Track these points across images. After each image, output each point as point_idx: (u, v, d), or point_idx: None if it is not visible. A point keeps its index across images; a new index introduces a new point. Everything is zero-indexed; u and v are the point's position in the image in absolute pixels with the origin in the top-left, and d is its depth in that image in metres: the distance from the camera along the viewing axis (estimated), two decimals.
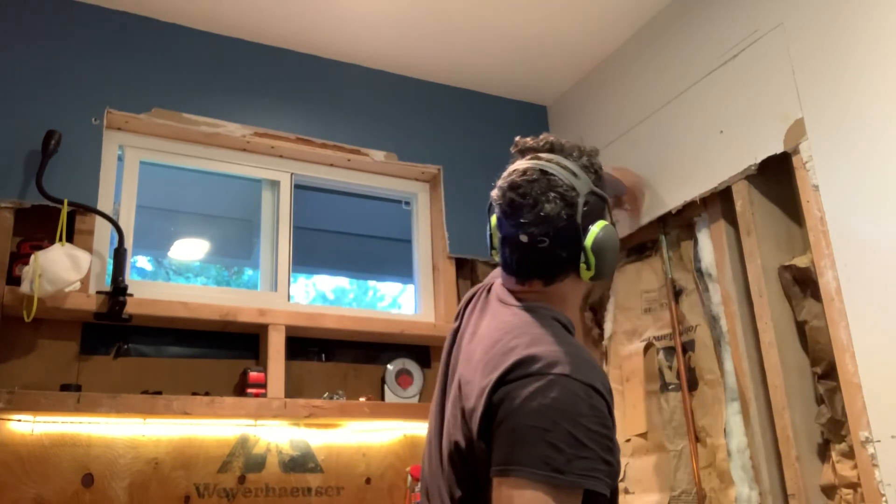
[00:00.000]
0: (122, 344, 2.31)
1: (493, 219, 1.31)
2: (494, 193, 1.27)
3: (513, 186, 1.22)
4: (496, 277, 1.36)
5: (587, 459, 1.02)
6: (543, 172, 1.23)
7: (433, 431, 1.27)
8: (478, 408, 1.09)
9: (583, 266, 1.22)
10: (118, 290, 2.16)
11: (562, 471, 1.00)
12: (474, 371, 1.15)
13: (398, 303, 3.41)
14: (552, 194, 1.21)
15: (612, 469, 1.05)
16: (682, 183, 2.44)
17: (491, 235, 1.34)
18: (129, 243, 2.34)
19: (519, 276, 1.25)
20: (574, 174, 1.25)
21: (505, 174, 1.27)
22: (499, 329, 1.19)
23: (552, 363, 1.08)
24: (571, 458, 1.01)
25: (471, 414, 1.11)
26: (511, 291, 1.28)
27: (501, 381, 1.09)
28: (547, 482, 1.00)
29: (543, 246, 1.20)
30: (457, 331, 1.36)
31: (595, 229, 1.22)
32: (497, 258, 1.32)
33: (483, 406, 1.08)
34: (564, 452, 1.01)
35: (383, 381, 2.63)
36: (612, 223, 1.29)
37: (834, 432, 2.00)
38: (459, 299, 2.77)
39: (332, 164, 2.80)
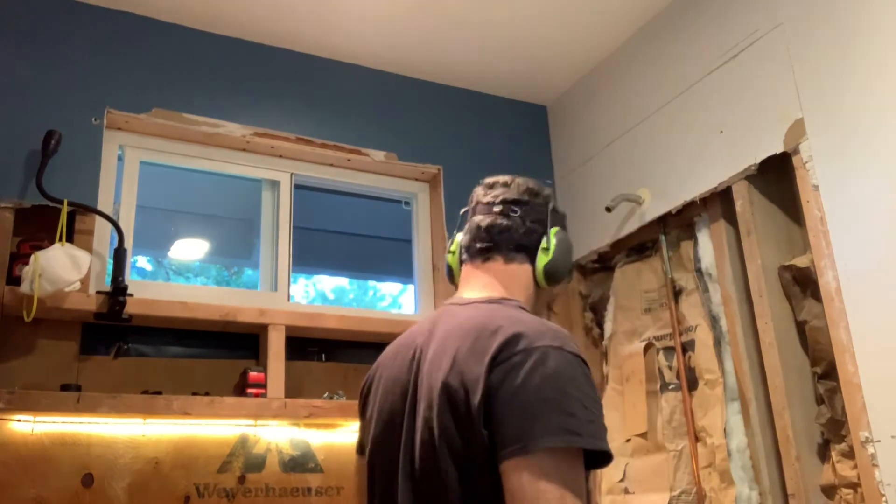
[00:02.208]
0: (122, 344, 2.31)
1: (457, 237, 1.42)
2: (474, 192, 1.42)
3: (493, 180, 1.40)
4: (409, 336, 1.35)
5: (594, 423, 1.05)
6: (520, 180, 1.41)
7: (403, 460, 1.19)
8: (475, 395, 1.07)
9: (542, 251, 1.31)
10: (118, 290, 2.16)
11: (580, 434, 1.02)
12: (459, 367, 1.12)
13: (398, 303, 3.41)
14: (527, 186, 1.38)
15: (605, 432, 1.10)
16: (682, 183, 2.44)
17: (449, 265, 1.42)
18: (129, 243, 2.34)
19: (484, 251, 1.33)
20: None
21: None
22: (471, 320, 1.19)
23: (539, 336, 1.10)
24: (584, 422, 1.03)
25: (467, 406, 1.08)
26: (468, 296, 1.31)
27: (494, 361, 1.08)
28: (568, 448, 1.01)
29: (514, 215, 1.32)
30: (371, 381, 1.35)
31: (558, 230, 1.35)
32: (455, 263, 1.40)
33: (482, 391, 1.07)
34: (578, 418, 1.03)
35: None
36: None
37: (834, 432, 2.00)
38: None
39: (332, 164, 2.80)
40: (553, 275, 1.32)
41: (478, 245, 1.33)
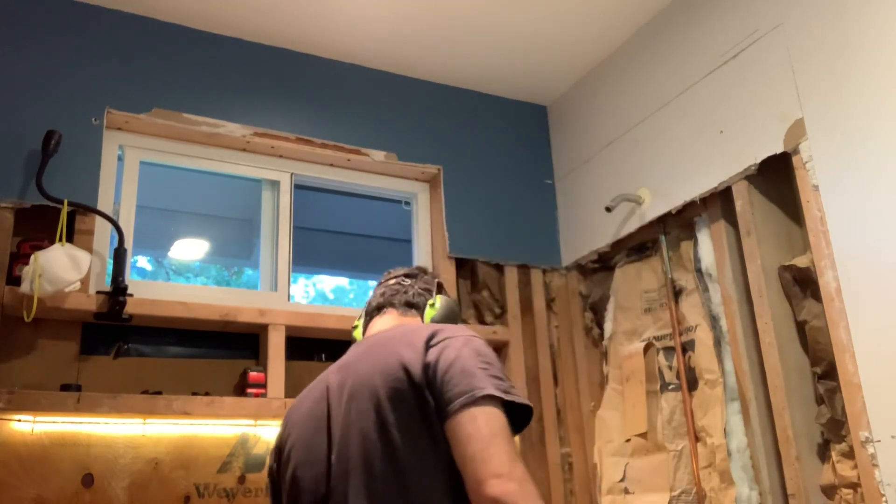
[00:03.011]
0: (122, 344, 2.31)
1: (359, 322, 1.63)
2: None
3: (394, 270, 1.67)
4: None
5: (514, 388, 1.27)
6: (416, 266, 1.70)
7: (322, 457, 1.33)
8: (416, 369, 1.26)
9: (429, 306, 1.54)
10: (118, 290, 2.16)
11: (508, 391, 1.23)
12: (395, 358, 1.30)
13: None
14: (418, 267, 1.67)
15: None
16: (682, 183, 2.44)
17: (355, 338, 1.61)
18: (129, 243, 2.34)
19: (380, 306, 1.56)
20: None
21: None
22: (392, 332, 1.42)
23: (456, 329, 1.34)
24: (508, 386, 1.25)
25: (409, 383, 1.26)
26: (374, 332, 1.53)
27: (428, 345, 1.29)
28: (503, 401, 1.21)
29: (406, 283, 1.58)
30: (284, 435, 1.48)
31: (443, 296, 1.59)
32: (359, 333, 1.59)
33: (422, 365, 1.26)
34: (504, 380, 1.25)
35: None
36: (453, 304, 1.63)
37: (834, 432, 2.00)
38: (459, 299, 2.78)
39: (332, 164, 2.80)
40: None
41: (375, 303, 1.58)
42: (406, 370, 1.27)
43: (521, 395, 1.25)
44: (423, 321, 1.53)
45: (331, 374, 1.45)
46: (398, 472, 1.23)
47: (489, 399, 1.20)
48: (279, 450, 1.46)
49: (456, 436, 1.19)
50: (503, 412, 1.21)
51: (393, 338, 1.37)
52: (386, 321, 1.53)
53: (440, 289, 1.63)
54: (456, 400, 1.21)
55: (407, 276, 1.61)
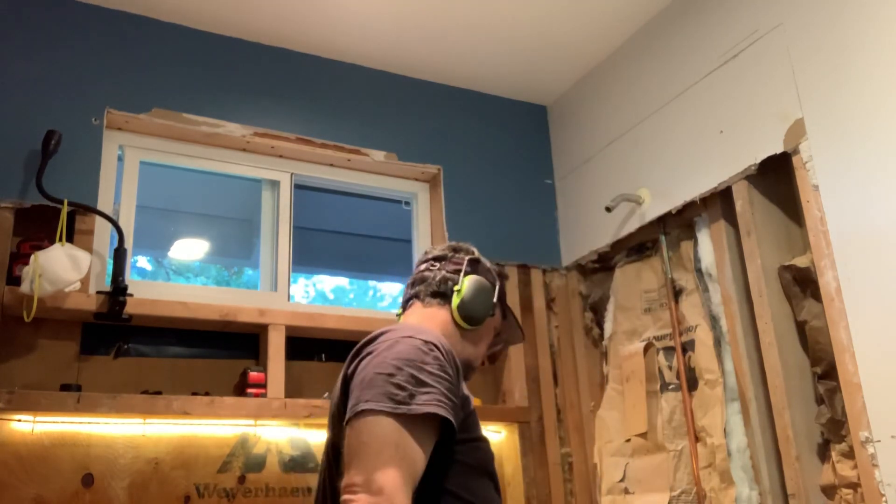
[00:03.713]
0: (122, 344, 2.31)
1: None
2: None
3: (431, 247, 1.62)
4: None
5: (429, 394, 1.17)
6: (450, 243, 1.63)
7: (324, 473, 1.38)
8: (338, 385, 1.26)
9: (455, 293, 1.47)
10: (118, 290, 2.16)
11: (405, 403, 1.15)
12: (344, 369, 1.30)
13: (398, 303, 3.40)
14: (451, 245, 1.59)
15: (456, 406, 1.22)
16: (682, 183, 2.44)
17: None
18: (129, 243, 2.34)
19: (406, 300, 1.52)
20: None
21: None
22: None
23: (400, 332, 1.28)
24: (414, 393, 1.16)
25: (340, 397, 1.25)
26: None
27: (355, 355, 1.27)
28: (391, 413, 1.14)
29: (434, 268, 1.51)
30: None
31: (473, 276, 1.50)
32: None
33: (342, 379, 1.26)
34: (407, 389, 1.16)
35: None
36: (492, 284, 1.53)
37: (834, 432, 2.00)
38: None
39: (332, 164, 2.80)
40: (467, 314, 1.46)
41: (402, 299, 1.55)
42: (342, 385, 1.27)
43: (433, 401, 1.17)
44: (451, 310, 1.47)
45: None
46: (335, 492, 1.21)
47: (369, 412, 1.14)
48: None
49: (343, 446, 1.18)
50: (396, 423, 1.13)
51: (362, 344, 1.33)
52: (405, 318, 1.50)
53: (474, 266, 1.53)
54: (346, 415, 1.19)
55: (437, 259, 1.53)
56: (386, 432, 1.13)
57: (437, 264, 1.52)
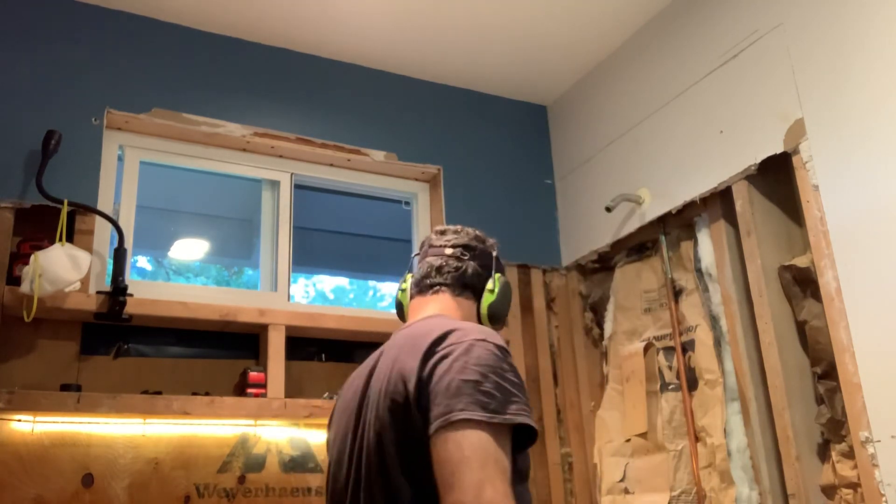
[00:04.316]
0: (122, 344, 2.31)
1: (408, 278, 1.55)
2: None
3: (445, 227, 1.55)
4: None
5: (516, 404, 1.18)
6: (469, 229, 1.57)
7: (347, 458, 1.34)
8: (410, 383, 1.21)
9: (487, 292, 1.46)
10: (118, 290, 2.16)
11: (499, 413, 1.14)
12: (399, 366, 1.26)
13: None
14: (475, 234, 1.54)
15: (532, 414, 1.21)
16: (682, 183, 2.45)
17: (399, 301, 1.55)
18: (129, 243, 2.34)
19: (433, 285, 1.47)
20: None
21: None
22: (413, 331, 1.34)
23: (466, 333, 1.25)
24: (503, 402, 1.16)
25: (405, 397, 1.21)
26: (414, 320, 1.45)
27: (428, 355, 1.23)
28: (487, 423, 1.13)
29: (465, 258, 1.48)
30: (333, 409, 1.51)
31: (500, 276, 1.50)
32: (406, 299, 1.52)
33: (416, 379, 1.21)
34: (496, 398, 1.16)
35: None
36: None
37: (834, 432, 2.00)
38: None
39: (332, 164, 2.81)
40: (494, 314, 1.48)
41: (428, 281, 1.48)
42: (404, 383, 1.22)
43: (522, 411, 1.17)
44: (479, 306, 1.46)
45: (373, 359, 1.40)
46: (390, 492, 1.20)
47: (465, 423, 1.12)
48: (328, 438, 1.47)
49: (433, 460, 1.14)
50: (489, 433, 1.13)
51: (413, 336, 1.30)
52: (434, 306, 1.44)
53: (498, 263, 1.52)
54: (434, 422, 1.15)
55: (466, 248, 1.50)
56: (485, 444, 1.12)
57: (468, 255, 1.49)
